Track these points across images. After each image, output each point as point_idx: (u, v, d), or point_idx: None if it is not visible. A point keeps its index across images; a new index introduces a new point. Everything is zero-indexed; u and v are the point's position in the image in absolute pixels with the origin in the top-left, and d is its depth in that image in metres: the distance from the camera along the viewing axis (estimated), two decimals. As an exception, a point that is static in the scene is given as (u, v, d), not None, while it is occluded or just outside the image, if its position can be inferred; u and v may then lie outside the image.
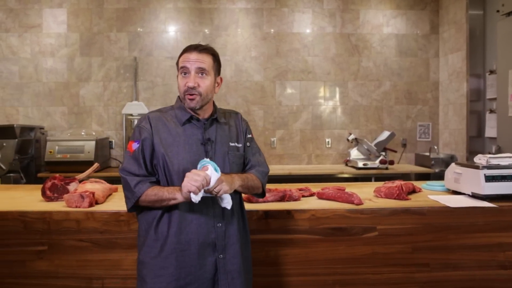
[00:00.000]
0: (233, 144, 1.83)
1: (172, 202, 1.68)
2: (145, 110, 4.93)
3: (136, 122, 4.92)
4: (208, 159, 1.68)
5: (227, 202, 1.69)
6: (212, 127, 1.81)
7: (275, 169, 4.92)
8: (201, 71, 1.73)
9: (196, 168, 1.67)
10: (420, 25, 5.44)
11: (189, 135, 1.77)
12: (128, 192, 1.74)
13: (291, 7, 5.35)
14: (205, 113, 1.81)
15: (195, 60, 1.73)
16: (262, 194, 1.96)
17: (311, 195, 2.62)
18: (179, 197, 1.65)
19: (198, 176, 1.58)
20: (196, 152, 1.74)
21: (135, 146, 1.75)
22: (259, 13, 5.32)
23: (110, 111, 5.23)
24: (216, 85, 1.82)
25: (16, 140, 4.49)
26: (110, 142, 5.20)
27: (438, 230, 2.28)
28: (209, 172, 1.61)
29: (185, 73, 1.75)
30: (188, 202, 1.66)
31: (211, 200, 1.72)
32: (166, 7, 5.25)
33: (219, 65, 1.84)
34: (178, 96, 1.84)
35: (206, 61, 1.75)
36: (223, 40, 5.27)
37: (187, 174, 1.61)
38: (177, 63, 1.80)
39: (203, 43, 1.81)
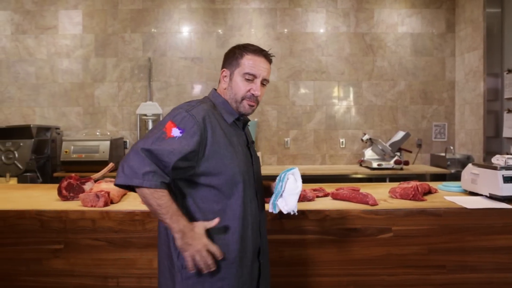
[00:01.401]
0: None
1: (164, 224, 1.50)
2: (159, 110, 4.96)
3: (148, 120, 5.00)
4: (292, 168, 1.75)
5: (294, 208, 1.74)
6: (247, 131, 1.79)
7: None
8: (265, 81, 1.68)
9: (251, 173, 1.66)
10: (436, 23, 5.38)
11: (238, 135, 1.68)
12: (137, 168, 1.43)
13: (305, 7, 5.33)
14: (246, 117, 1.76)
15: (264, 69, 1.66)
16: None
17: (326, 195, 2.60)
18: (177, 236, 1.47)
19: (207, 256, 1.48)
20: (246, 155, 1.67)
21: (176, 132, 1.49)
22: (273, 13, 5.31)
23: (125, 111, 5.28)
24: None
25: (33, 140, 4.55)
26: (125, 142, 5.24)
27: (455, 231, 2.24)
28: (292, 181, 1.71)
29: (249, 79, 1.64)
30: (247, 205, 1.61)
31: (257, 203, 1.69)
32: (179, 7, 5.28)
33: None
34: (216, 92, 1.72)
35: (269, 69, 1.70)
36: (237, 40, 5.27)
37: (199, 244, 1.47)
38: (235, 61, 1.66)
39: (218, 43, 1.81)
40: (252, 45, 1.70)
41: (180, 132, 1.49)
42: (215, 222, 1.51)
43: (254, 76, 1.64)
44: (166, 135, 1.48)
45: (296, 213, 1.74)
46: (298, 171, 1.75)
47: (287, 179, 1.73)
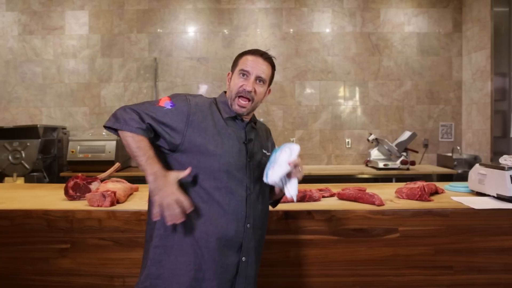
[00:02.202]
0: (264, 151, 1.83)
1: (140, 167, 1.59)
2: (165, 110, 4.96)
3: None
4: (291, 143, 1.75)
5: (295, 190, 1.69)
6: (250, 131, 1.80)
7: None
8: (260, 79, 1.72)
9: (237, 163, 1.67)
10: (443, 23, 5.35)
11: (234, 130, 1.72)
12: (123, 116, 1.61)
13: (311, 7, 5.32)
14: (247, 118, 1.79)
15: (259, 68, 1.71)
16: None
17: (332, 195, 2.59)
18: (150, 179, 1.54)
19: (176, 206, 1.52)
20: (239, 149, 1.70)
21: (167, 104, 1.65)
22: (279, 13, 5.31)
23: (131, 112, 5.28)
24: (266, 94, 1.82)
25: (40, 140, 4.58)
26: (131, 142, 5.25)
27: (462, 232, 2.23)
28: (287, 154, 1.68)
29: (243, 75, 1.71)
30: (228, 194, 1.63)
31: (246, 198, 1.68)
32: (185, 8, 5.29)
33: (273, 77, 1.83)
34: (224, 92, 1.80)
35: (267, 70, 1.74)
36: (243, 40, 5.27)
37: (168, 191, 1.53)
38: (235, 63, 1.77)
39: (264, 51, 1.77)
40: (254, 49, 1.78)
41: (171, 106, 1.64)
42: (186, 172, 1.59)
43: (248, 73, 1.70)
44: (157, 103, 1.65)
45: (294, 199, 1.71)
46: (297, 147, 1.73)
47: (284, 151, 1.71)
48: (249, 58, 1.73)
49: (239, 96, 1.70)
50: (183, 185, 1.61)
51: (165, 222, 1.55)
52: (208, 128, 1.65)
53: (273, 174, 1.67)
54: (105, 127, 1.67)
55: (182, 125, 1.61)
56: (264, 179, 1.70)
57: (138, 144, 1.58)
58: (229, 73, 1.79)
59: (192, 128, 1.62)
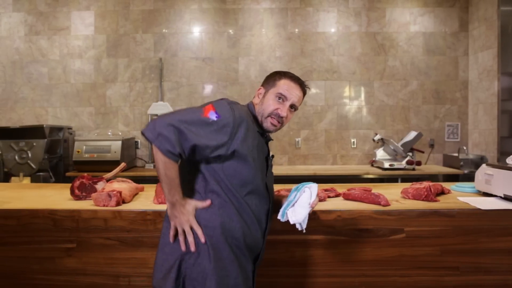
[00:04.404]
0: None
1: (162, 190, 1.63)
2: (170, 111, 4.97)
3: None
4: (310, 183, 1.79)
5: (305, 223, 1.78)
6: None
7: (299, 169, 4.90)
8: (294, 106, 1.80)
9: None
10: (449, 22, 5.32)
11: (263, 145, 1.76)
12: (161, 131, 1.52)
13: (316, 7, 5.31)
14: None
15: (295, 95, 1.77)
16: None
17: (337, 195, 2.58)
18: (168, 206, 1.61)
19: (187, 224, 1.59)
20: (263, 166, 1.75)
21: (212, 115, 1.58)
22: (284, 13, 5.30)
23: (136, 112, 5.31)
24: None
25: (46, 140, 4.60)
26: (136, 142, 5.27)
27: (468, 232, 2.21)
28: (307, 195, 1.75)
29: (280, 98, 1.75)
30: (257, 206, 1.69)
31: (267, 211, 1.74)
32: (190, 8, 5.29)
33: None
34: (252, 104, 1.82)
35: (301, 98, 1.82)
36: (248, 40, 5.27)
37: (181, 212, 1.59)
38: (272, 82, 1.78)
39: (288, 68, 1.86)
40: (292, 74, 1.82)
41: (216, 117, 1.57)
42: (206, 203, 1.61)
43: (285, 98, 1.76)
44: (202, 113, 1.57)
45: (304, 230, 1.77)
46: (316, 187, 1.79)
47: (303, 191, 1.77)
48: (290, 84, 1.77)
49: (271, 117, 1.75)
50: (215, 192, 1.63)
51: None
52: (249, 140, 1.64)
53: (295, 215, 1.74)
54: (142, 133, 1.59)
55: (226, 138, 1.58)
56: (280, 218, 1.76)
57: (165, 172, 1.55)
58: (260, 88, 1.81)
59: (236, 140, 1.60)
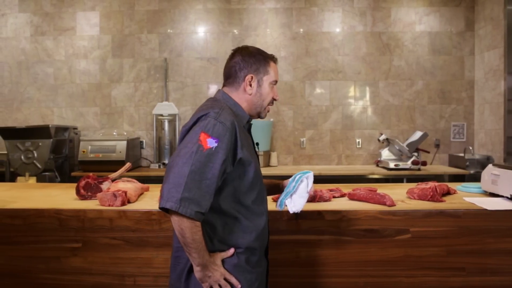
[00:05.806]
0: None
1: (188, 255, 1.51)
2: (175, 111, 4.99)
3: (166, 122, 5.03)
4: (308, 171, 1.83)
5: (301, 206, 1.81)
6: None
7: (304, 169, 4.88)
8: None
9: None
10: (455, 22, 5.29)
11: (249, 137, 1.72)
12: (174, 191, 1.40)
13: (321, 6, 5.30)
14: None
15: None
16: None
17: (342, 196, 2.58)
18: (197, 269, 1.50)
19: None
20: (256, 157, 1.71)
21: (212, 143, 1.46)
22: (289, 13, 5.30)
23: (141, 112, 5.32)
24: None
25: (51, 140, 4.62)
26: (141, 142, 5.29)
27: (475, 233, 2.20)
28: (304, 185, 1.79)
29: (273, 86, 1.74)
30: (264, 200, 1.68)
31: (266, 210, 1.73)
32: (195, 8, 5.30)
33: None
34: (226, 94, 1.70)
35: None
36: (252, 40, 5.27)
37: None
38: (264, 69, 1.69)
39: (235, 46, 1.81)
40: (273, 55, 1.77)
41: (216, 142, 1.45)
42: (230, 252, 1.57)
43: (276, 82, 1.76)
44: (203, 147, 1.44)
45: (299, 212, 1.81)
46: (313, 176, 1.82)
47: (301, 181, 1.79)
48: (275, 66, 1.75)
49: (270, 105, 1.76)
50: (220, 207, 1.55)
51: None
52: (244, 142, 1.57)
53: (295, 205, 1.78)
54: (160, 208, 1.44)
55: (230, 153, 1.51)
56: (279, 208, 1.79)
57: (193, 237, 1.43)
58: (248, 76, 1.67)
59: (235, 148, 1.53)
